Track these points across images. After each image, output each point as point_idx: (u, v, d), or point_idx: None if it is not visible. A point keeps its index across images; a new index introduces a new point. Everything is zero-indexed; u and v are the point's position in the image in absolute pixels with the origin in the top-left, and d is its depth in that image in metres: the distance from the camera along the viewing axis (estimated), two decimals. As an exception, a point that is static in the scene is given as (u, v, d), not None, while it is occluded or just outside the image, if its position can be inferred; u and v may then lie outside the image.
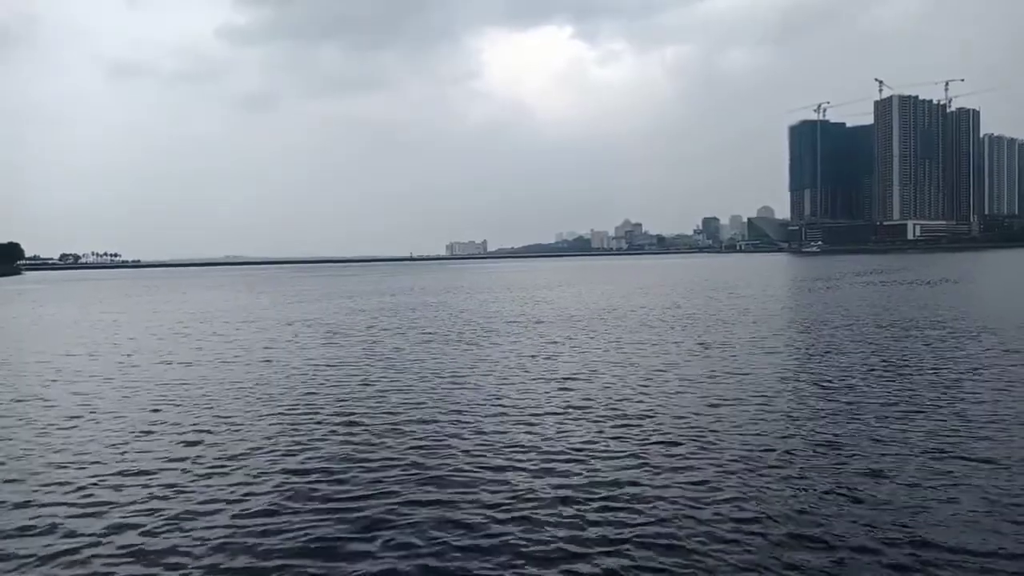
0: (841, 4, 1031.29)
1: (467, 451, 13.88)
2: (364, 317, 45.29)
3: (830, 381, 20.14)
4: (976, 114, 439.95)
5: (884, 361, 23.40)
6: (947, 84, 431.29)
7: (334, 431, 15.75)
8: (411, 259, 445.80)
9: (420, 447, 14.27)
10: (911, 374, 20.98)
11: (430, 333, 34.91)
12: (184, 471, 12.99)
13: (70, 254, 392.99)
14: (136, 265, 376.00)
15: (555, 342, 30.15)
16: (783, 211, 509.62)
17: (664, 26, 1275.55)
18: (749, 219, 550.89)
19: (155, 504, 11.33)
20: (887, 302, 47.56)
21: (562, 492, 11.44)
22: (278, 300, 67.86)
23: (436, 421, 16.43)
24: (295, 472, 12.84)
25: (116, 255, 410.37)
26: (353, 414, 17.30)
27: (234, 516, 10.75)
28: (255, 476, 12.63)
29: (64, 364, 27.37)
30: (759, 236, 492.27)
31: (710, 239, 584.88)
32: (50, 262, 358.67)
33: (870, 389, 18.89)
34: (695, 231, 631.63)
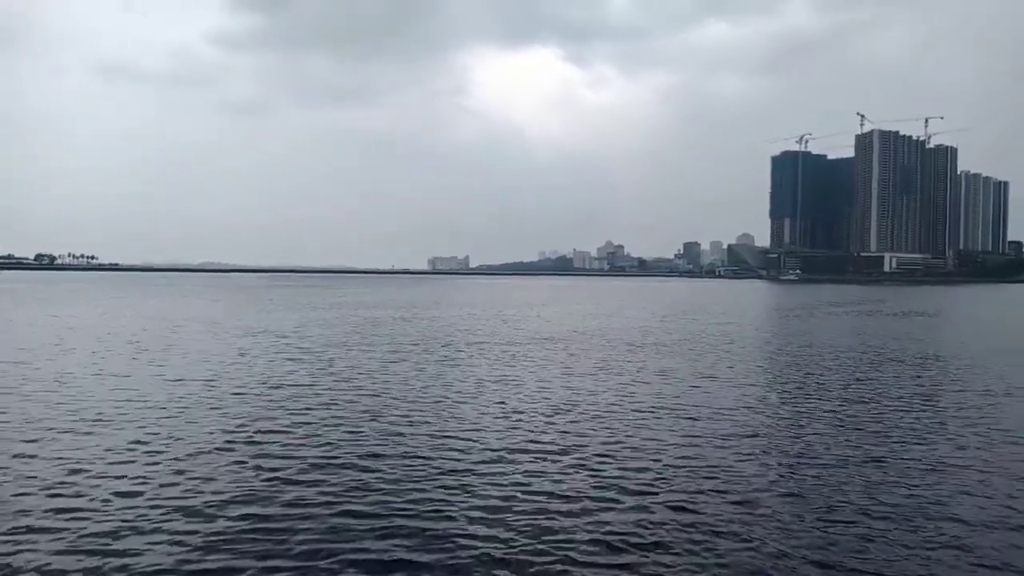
0: (831, 37, 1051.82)
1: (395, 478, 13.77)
2: (327, 330, 44.94)
3: (800, 407, 20.33)
4: (954, 151, 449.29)
5: (849, 390, 23.66)
6: (927, 121, 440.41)
7: (249, 451, 15.53)
8: (392, 272, 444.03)
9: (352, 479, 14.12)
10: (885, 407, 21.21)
11: (395, 351, 34.69)
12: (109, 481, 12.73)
13: (45, 255, 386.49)
14: (114, 268, 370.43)
15: (524, 365, 30.11)
16: (763, 239, 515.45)
17: (654, 52, 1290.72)
18: (729, 245, 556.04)
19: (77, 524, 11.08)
20: (866, 333, 48.12)
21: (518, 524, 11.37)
22: (253, 309, 67.16)
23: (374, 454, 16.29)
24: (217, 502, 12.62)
25: (93, 257, 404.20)
26: (283, 432, 17.11)
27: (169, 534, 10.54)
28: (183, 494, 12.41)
29: None
30: (738, 262, 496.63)
31: (690, 264, 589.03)
32: (25, 262, 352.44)
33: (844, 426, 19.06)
34: (676, 255, 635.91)
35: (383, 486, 12.64)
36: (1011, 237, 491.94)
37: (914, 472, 13.92)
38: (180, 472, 13.25)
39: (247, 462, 14.07)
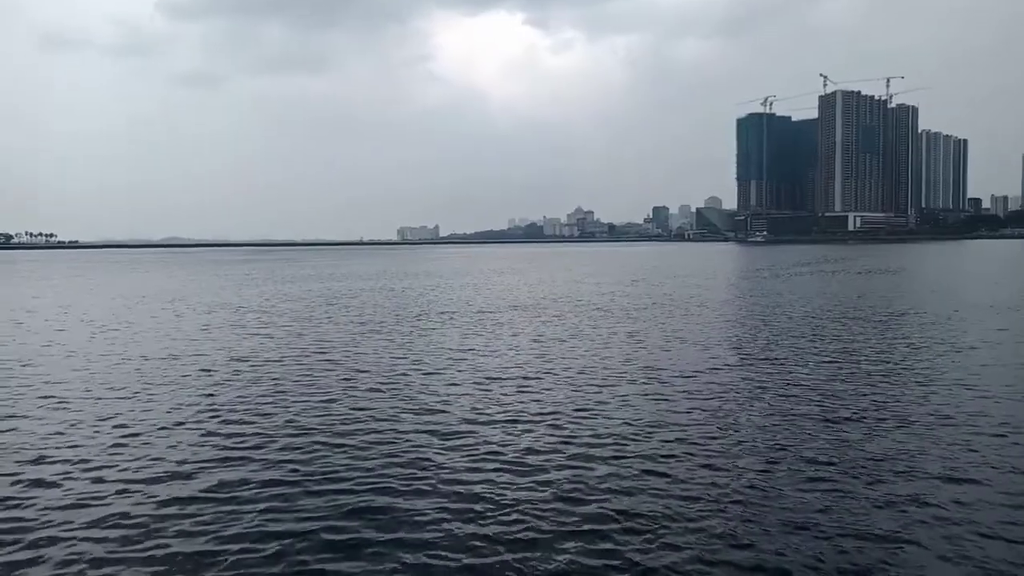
0: (788, 2, 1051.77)
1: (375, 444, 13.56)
2: (299, 305, 44.30)
3: (770, 367, 20.50)
4: (915, 111, 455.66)
5: (809, 346, 23.94)
6: (888, 80, 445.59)
7: (217, 429, 15.21)
8: (361, 243, 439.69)
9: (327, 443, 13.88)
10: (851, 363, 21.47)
11: (364, 322, 34.30)
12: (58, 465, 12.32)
13: (0, 234, 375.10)
14: (74, 246, 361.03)
15: (500, 330, 29.96)
16: (730, 201, 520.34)
17: (616, 15, 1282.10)
18: (698, 209, 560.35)
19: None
20: (831, 292, 48.83)
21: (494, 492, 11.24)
22: (218, 284, 65.92)
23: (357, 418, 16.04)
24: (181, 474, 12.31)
25: (52, 235, 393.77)
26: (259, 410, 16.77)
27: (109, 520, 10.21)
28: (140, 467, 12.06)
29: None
30: (707, 225, 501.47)
31: (660, 228, 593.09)
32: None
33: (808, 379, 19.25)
34: (645, 220, 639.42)
35: (350, 461, 12.39)
36: (970, 194, 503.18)
37: (881, 428, 14.08)
38: (143, 449, 12.86)
39: (211, 438, 13.73)
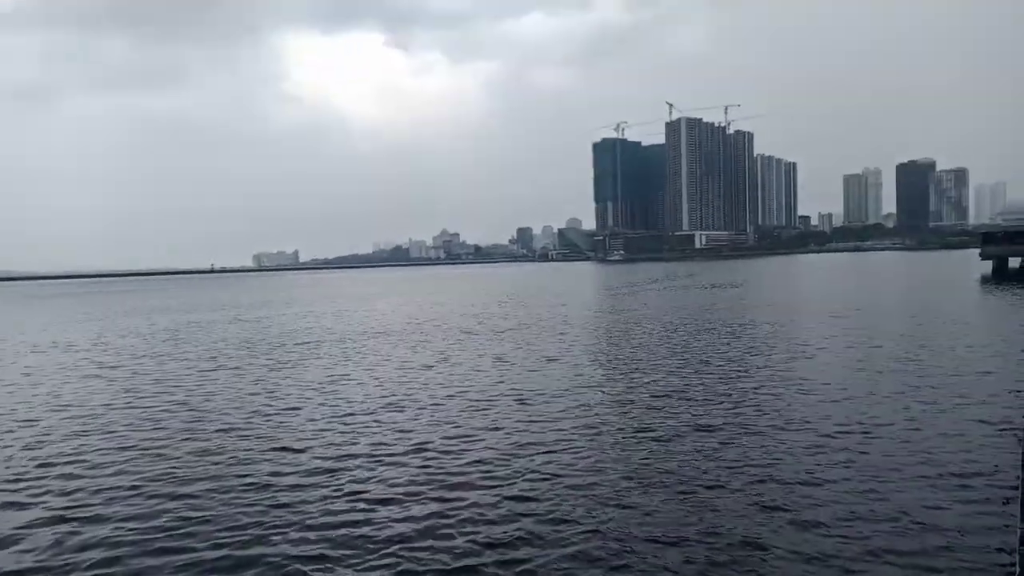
0: (637, 33, 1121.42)
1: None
2: (140, 341, 40.79)
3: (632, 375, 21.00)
4: (751, 136, 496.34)
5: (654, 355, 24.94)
6: (726, 109, 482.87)
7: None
8: (213, 271, 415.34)
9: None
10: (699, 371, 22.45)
11: (214, 357, 32.05)
12: None
13: None
14: None
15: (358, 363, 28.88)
16: (590, 222, 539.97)
17: (477, 40, 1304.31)
18: (560, 229, 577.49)
19: None
20: (684, 306, 51.50)
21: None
22: (43, 320, 59.43)
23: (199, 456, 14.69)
24: None
25: None
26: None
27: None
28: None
29: None
30: (569, 245, 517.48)
31: (525, 248, 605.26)
32: None
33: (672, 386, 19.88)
34: (511, 241, 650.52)
35: (193, 513, 11.16)
36: (801, 212, 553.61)
37: (737, 436, 14.66)
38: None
39: (37, 498, 11.94)
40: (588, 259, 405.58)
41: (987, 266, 79.84)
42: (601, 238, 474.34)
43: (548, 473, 12.63)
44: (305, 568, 9.16)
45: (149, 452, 14.93)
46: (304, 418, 17.84)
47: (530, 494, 11.62)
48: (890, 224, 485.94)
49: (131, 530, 10.59)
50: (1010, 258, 79.23)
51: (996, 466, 12.17)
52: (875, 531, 9.69)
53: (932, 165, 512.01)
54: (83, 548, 9.99)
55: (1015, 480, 11.00)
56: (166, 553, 9.74)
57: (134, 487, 12.59)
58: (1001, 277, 72.89)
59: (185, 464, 13.94)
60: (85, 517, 11.17)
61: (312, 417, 17.90)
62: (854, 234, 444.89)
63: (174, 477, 13.10)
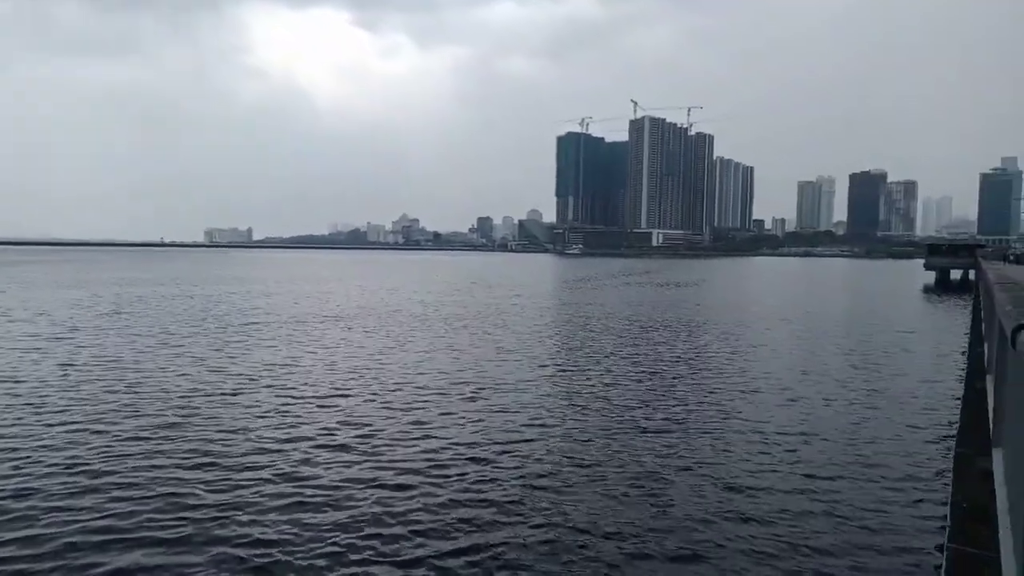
0: (607, 28, 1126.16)
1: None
2: (75, 312, 39.35)
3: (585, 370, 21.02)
4: (711, 138, 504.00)
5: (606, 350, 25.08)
6: (689, 110, 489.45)
7: None
8: (162, 244, 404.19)
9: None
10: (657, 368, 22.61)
11: (155, 334, 31.09)
12: None
13: None
14: None
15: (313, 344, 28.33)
16: (550, 215, 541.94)
17: (446, 25, 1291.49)
18: (520, 221, 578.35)
19: None
20: (640, 302, 51.95)
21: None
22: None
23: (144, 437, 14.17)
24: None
25: None
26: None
27: None
28: None
29: None
30: (528, 237, 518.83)
31: (484, 238, 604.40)
32: None
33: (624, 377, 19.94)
34: (471, 229, 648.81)
35: (125, 494, 10.70)
36: (755, 216, 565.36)
37: (687, 434, 14.76)
38: None
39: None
40: (547, 251, 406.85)
41: (931, 276, 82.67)
42: (560, 231, 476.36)
43: (497, 465, 12.51)
44: (241, 554, 8.85)
45: (81, 430, 14.32)
46: (247, 401, 17.35)
47: (477, 486, 11.47)
48: (840, 232, 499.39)
49: (56, 510, 10.10)
50: (952, 270, 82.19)
51: (931, 469, 12.49)
52: (812, 530, 9.83)
53: (884, 176, 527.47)
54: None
55: (948, 482, 11.28)
56: (88, 531, 9.30)
57: (63, 466, 12.04)
58: (943, 288, 75.54)
59: (119, 443, 13.39)
60: (3, 496, 10.62)
61: (255, 401, 17.43)
62: (805, 240, 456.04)
63: (106, 457, 12.57)
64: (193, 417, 15.57)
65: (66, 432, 14.15)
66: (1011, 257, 71.13)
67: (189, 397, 17.58)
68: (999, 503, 5.31)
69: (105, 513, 10.06)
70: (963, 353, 24.32)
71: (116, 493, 10.84)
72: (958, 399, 18.47)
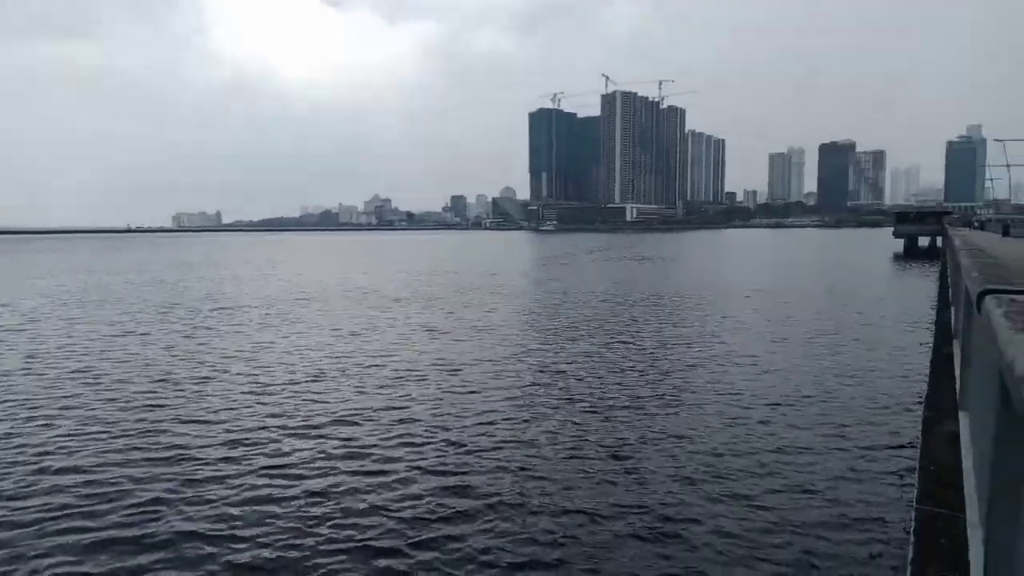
0: (577, 2, 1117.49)
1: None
2: (46, 302, 38.50)
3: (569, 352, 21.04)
4: (683, 112, 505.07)
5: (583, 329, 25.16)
6: (660, 84, 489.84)
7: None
8: (129, 231, 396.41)
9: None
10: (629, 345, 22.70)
11: (124, 322, 30.54)
12: None
13: None
14: None
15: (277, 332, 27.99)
16: (524, 192, 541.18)
17: (414, 1, 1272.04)
18: (494, 198, 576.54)
19: None
20: (615, 279, 52.12)
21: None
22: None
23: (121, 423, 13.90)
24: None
25: None
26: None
27: None
28: None
29: None
30: (502, 214, 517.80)
31: (458, 216, 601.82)
32: None
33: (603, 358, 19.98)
34: (444, 208, 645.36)
35: (92, 490, 10.47)
36: (727, 189, 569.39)
37: (662, 407, 14.85)
38: None
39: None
40: (521, 228, 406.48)
41: (899, 244, 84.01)
42: (535, 208, 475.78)
43: (474, 445, 12.46)
44: (213, 549, 8.72)
45: (45, 422, 13.99)
46: (219, 388, 17.09)
47: (453, 467, 11.43)
48: (811, 202, 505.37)
49: (20, 508, 9.86)
50: (919, 237, 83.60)
51: (901, 434, 12.70)
52: (784, 502, 9.92)
53: (852, 146, 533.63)
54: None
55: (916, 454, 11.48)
56: (61, 531, 9.10)
57: (25, 461, 11.75)
58: (911, 255, 76.88)
59: (84, 435, 13.11)
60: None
61: (228, 387, 17.17)
62: (777, 211, 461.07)
63: (70, 450, 12.30)
64: (164, 407, 15.29)
65: (31, 425, 13.81)
66: (976, 224, 72.64)
67: (157, 385, 17.25)
68: (965, 464, 5.37)
69: (70, 510, 9.85)
70: (932, 320, 24.78)
71: (80, 489, 10.61)
72: (927, 365, 18.83)
